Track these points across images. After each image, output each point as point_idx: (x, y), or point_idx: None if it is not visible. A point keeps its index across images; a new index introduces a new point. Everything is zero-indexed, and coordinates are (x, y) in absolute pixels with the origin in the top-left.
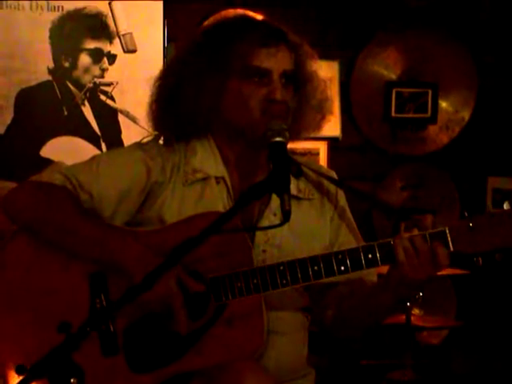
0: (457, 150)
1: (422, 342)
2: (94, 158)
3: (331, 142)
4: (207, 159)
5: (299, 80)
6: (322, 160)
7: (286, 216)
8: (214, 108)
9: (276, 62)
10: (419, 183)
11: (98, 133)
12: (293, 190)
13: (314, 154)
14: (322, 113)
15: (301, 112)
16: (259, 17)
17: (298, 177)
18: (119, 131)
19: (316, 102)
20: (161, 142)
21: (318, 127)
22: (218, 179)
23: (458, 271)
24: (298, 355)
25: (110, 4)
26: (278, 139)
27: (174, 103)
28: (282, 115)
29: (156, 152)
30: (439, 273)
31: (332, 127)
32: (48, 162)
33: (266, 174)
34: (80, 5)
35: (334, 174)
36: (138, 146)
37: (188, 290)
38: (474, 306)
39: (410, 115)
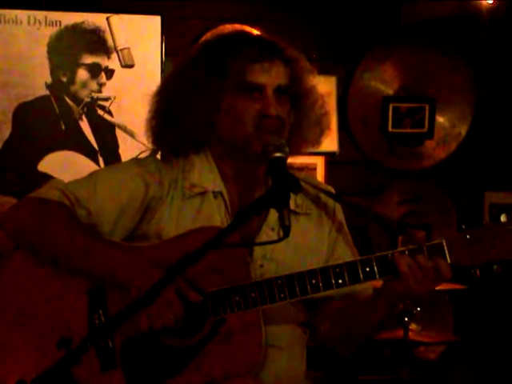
0: (454, 164)
1: (419, 357)
2: (91, 174)
3: (328, 156)
4: (205, 174)
5: (296, 95)
6: (320, 175)
7: (285, 231)
8: (210, 123)
9: (270, 77)
10: (416, 198)
11: (96, 147)
12: (290, 204)
13: (312, 168)
14: (320, 128)
15: (299, 127)
16: (255, 32)
17: (296, 192)
18: (117, 146)
19: (315, 117)
20: (158, 157)
21: (317, 142)
22: (215, 194)
23: (455, 286)
24: (296, 370)
25: (107, 19)
26: (277, 155)
27: (172, 118)
28: (275, 130)
29: (154, 167)
30: (437, 288)
31: (329, 142)
32: (46, 177)
33: (264, 188)
34: (78, 19)
35: (331, 190)
36: (136, 161)
37: (187, 301)
38: (471, 322)
39: (407, 130)
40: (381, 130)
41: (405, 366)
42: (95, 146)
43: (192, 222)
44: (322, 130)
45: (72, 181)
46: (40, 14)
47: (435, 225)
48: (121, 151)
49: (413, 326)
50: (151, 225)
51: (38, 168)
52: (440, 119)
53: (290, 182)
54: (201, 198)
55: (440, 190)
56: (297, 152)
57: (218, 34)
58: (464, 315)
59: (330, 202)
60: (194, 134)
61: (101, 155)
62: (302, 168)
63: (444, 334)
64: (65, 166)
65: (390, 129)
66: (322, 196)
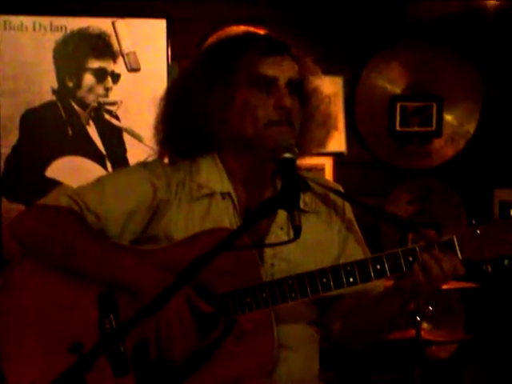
0: (462, 162)
1: (431, 356)
2: (99, 179)
3: (336, 157)
4: (212, 175)
5: (303, 94)
6: (328, 175)
7: (296, 232)
8: (222, 120)
9: (281, 70)
10: (425, 197)
11: (103, 152)
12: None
13: (320, 169)
14: (327, 128)
15: (306, 127)
16: (262, 32)
17: (304, 191)
18: (124, 150)
19: (321, 118)
20: (166, 160)
21: (324, 143)
22: (223, 195)
23: (466, 285)
24: (309, 370)
25: (113, 23)
26: (287, 155)
27: (182, 120)
28: (289, 121)
29: (161, 171)
30: (449, 286)
31: (337, 142)
32: (53, 182)
33: (272, 188)
34: (83, 25)
35: (340, 188)
36: (143, 165)
37: (196, 311)
38: (482, 320)
39: (415, 129)
40: (388, 129)
41: (418, 365)
42: (103, 150)
43: (200, 223)
44: (328, 131)
45: (80, 186)
46: (45, 20)
47: (445, 223)
48: (128, 155)
49: (424, 325)
50: (160, 227)
51: (46, 174)
52: (448, 117)
53: (299, 182)
54: (209, 199)
55: (449, 189)
56: (304, 153)
57: (226, 33)
58: (475, 313)
59: (339, 200)
60: (204, 133)
61: (108, 160)
62: (310, 169)
63: (456, 333)
64: (72, 172)
65: (397, 128)
66: (331, 195)
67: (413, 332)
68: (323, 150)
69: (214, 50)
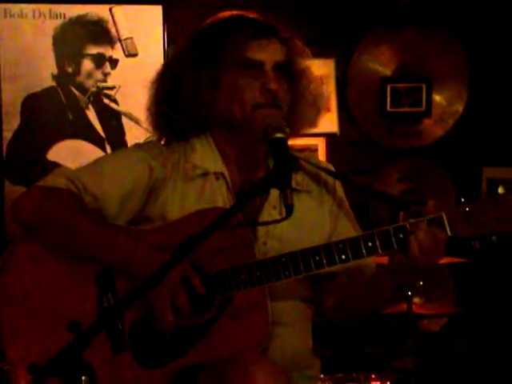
0: (451, 141)
1: (423, 329)
2: (96, 160)
3: (329, 137)
4: (206, 156)
5: (292, 75)
6: (321, 155)
7: (288, 210)
8: (210, 102)
9: (268, 53)
10: (415, 176)
11: (103, 135)
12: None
13: (313, 150)
14: (317, 108)
15: (297, 107)
16: (251, 14)
17: (296, 171)
18: (123, 133)
19: (311, 98)
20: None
21: (315, 123)
22: (217, 175)
23: (455, 260)
24: (302, 345)
25: (110, 10)
26: (278, 135)
27: (173, 101)
28: (276, 104)
29: (157, 151)
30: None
31: (329, 123)
32: (55, 165)
33: (265, 169)
34: (81, 11)
35: (331, 167)
36: (139, 146)
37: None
38: (472, 294)
39: (405, 109)
40: (379, 110)
41: (409, 338)
42: (102, 134)
43: (195, 203)
44: (318, 110)
45: (77, 168)
46: (44, 8)
47: (434, 200)
48: (127, 138)
49: (416, 300)
50: (155, 207)
51: (47, 157)
52: (437, 98)
53: (291, 161)
54: (203, 179)
55: (438, 167)
56: (295, 133)
57: (215, 17)
58: (465, 288)
59: (330, 179)
60: (194, 115)
61: (108, 143)
62: (303, 149)
63: (446, 307)
64: (73, 154)
65: (388, 108)
66: (322, 174)
67: (404, 306)
68: (316, 131)
69: (202, 34)
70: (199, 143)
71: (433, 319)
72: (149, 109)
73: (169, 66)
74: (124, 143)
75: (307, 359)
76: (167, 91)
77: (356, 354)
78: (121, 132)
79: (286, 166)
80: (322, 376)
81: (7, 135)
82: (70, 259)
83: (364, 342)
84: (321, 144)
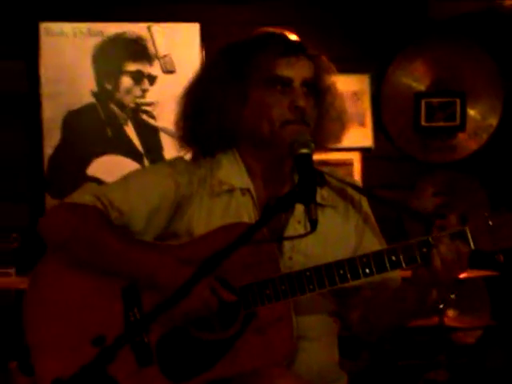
0: (486, 155)
1: (458, 341)
2: (124, 176)
3: (364, 152)
4: (232, 171)
5: (318, 91)
6: (356, 170)
7: (313, 225)
8: (238, 119)
9: (296, 70)
10: (450, 190)
11: (141, 150)
12: (317, 198)
13: (348, 164)
14: (341, 123)
15: (322, 123)
16: (280, 32)
17: (322, 186)
18: (161, 148)
19: (335, 114)
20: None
21: (339, 137)
22: (243, 191)
23: (489, 273)
24: (328, 359)
25: (148, 28)
26: (303, 151)
27: (200, 117)
28: (304, 120)
29: (183, 167)
30: (473, 275)
31: (364, 138)
32: (94, 180)
33: (291, 184)
34: (120, 30)
35: (357, 183)
36: (166, 162)
37: (220, 300)
38: (507, 307)
39: (440, 124)
40: (414, 124)
41: (442, 350)
42: (140, 149)
43: (221, 218)
44: (342, 126)
45: (105, 184)
46: (83, 26)
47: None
48: (165, 153)
49: (450, 313)
50: (181, 223)
51: (87, 172)
52: (471, 112)
53: (316, 177)
54: (229, 195)
55: (473, 181)
56: (319, 148)
57: (243, 34)
58: (500, 301)
59: (356, 194)
60: (222, 129)
61: (146, 158)
62: (339, 164)
63: (480, 319)
64: (112, 170)
65: (422, 123)
66: (348, 189)
67: (437, 319)
68: (351, 145)
69: (231, 50)
70: (226, 159)
71: (468, 332)
72: (177, 123)
73: (197, 81)
74: (162, 158)
75: (333, 373)
76: (195, 106)
77: (390, 366)
78: (159, 147)
79: (310, 181)
80: None
81: (48, 151)
82: (96, 274)
83: (398, 353)
84: (356, 158)
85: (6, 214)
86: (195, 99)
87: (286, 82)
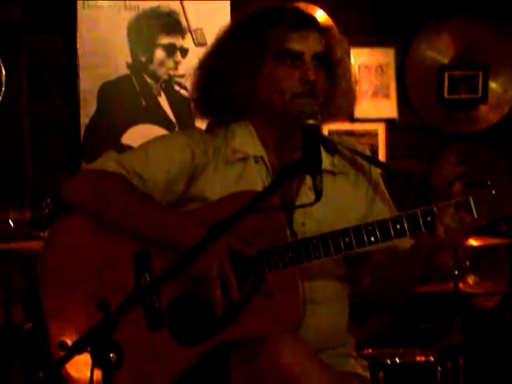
0: (507, 127)
1: (479, 306)
2: (143, 145)
3: (389, 123)
4: (246, 140)
5: (329, 64)
6: (381, 140)
7: (317, 195)
8: (251, 91)
9: (307, 44)
10: (472, 160)
11: (174, 120)
12: (328, 165)
13: (373, 135)
14: (352, 96)
15: (332, 95)
16: (292, 5)
17: (333, 153)
18: (193, 118)
19: (346, 86)
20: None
21: (349, 110)
22: (256, 159)
23: (510, 240)
24: (337, 324)
25: (181, 3)
26: (310, 122)
27: (214, 88)
28: (314, 93)
29: (199, 137)
30: (495, 242)
31: (389, 109)
32: (129, 148)
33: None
34: (154, 4)
35: (367, 151)
36: (183, 132)
37: (240, 257)
38: None
39: (462, 96)
40: (437, 96)
41: (458, 314)
42: (173, 119)
43: (235, 186)
44: (353, 98)
45: (125, 152)
46: (119, 1)
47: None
48: (196, 123)
49: (471, 278)
50: (197, 190)
51: (122, 140)
52: (493, 85)
53: (321, 147)
54: (243, 163)
55: (494, 151)
56: (330, 119)
57: (255, 7)
58: None
59: (366, 163)
60: (236, 100)
61: (178, 127)
62: (364, 134)
63: (499, 285)
64: (146, 138)
65: (445, 95)
66: (358, 158)
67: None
68: (376, 116)
69: (243, 24)
70: (239, 129)
71: (488, 297)
72: (192, 95)
73: (211, 54)
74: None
75: (341, 337)
76: (209, 79)
77: (410, 328)
78: (190, 117)
79: (315, 152)
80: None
81: (85, 120)
82: (109, 240)
83: (419, 316)
84: (381, 129)
85: (45, 182)
86: (209, 71)
87: (297, 56)
